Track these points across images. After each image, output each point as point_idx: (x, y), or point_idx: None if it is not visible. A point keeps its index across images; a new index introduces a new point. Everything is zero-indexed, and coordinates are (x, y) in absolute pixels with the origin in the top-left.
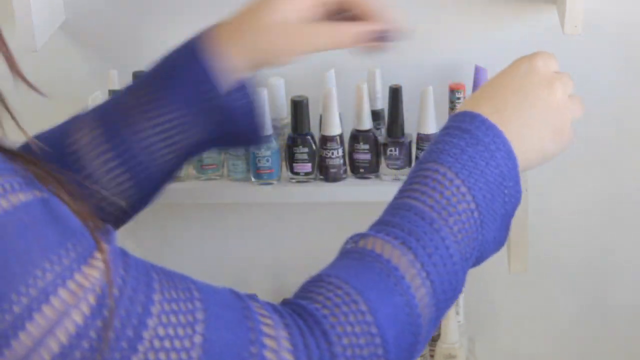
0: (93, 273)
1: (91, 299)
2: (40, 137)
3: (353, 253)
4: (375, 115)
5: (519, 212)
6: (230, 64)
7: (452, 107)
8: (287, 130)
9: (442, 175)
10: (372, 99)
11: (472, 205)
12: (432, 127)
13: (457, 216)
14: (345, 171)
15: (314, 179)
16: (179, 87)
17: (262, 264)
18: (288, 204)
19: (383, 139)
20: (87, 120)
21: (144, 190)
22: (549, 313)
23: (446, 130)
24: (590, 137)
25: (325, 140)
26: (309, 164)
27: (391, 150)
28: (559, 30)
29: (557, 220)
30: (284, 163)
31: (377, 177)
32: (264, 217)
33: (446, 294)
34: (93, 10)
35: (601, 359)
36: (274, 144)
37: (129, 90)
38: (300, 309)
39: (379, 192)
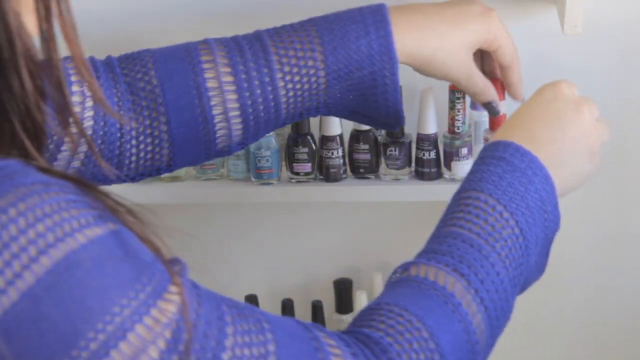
0: (169, 308)
1: (167, 334)
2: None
3: (407, 282)
4: None
5: None
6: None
7: (451, 107)
8: (287, 130)
9: (484, 202)
10: None
11: (517, 230)
12: (432, 127)
13: (504, 242)
14: (345, 171)
15: (314, 179)
16: (342, 51)
17: (262, 264)
18: (288, 204)
19: (383, 139)
20: (218, 52)
21: (247, 133)
22: (549, 313)
23: (482, 160)
24: None
25: (325, 140)
26: (309, 164)
27: (391, 150)
28: (559, 30)
29: None
30: (284, 163)
31: (377, 177)
32: (264, 217)
33: (499, 320)
34: (93, 11)
35: (601, 358)
36: (274, 144)
37: (275, 32)
38: (365, 338)
39: (379, 192)
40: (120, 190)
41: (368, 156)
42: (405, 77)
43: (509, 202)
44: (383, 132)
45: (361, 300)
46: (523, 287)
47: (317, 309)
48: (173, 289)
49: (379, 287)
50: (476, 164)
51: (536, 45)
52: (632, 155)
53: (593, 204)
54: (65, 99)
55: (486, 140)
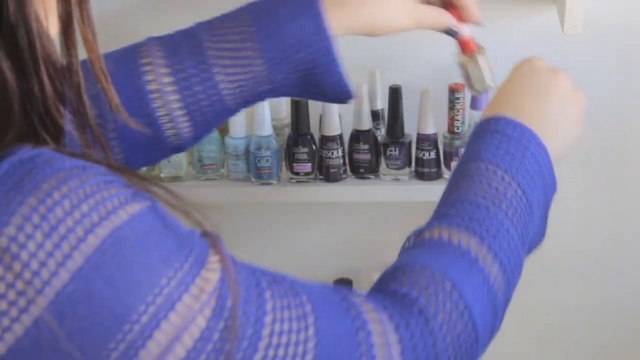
0: (212, 276)
1: (213, 302)
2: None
3: (422, 244)
4: (375, 115)
5: None
6: (330, 24)
7: (451, 107)
8: (287, 130)
9: (485, 169)
10: (372, 99)
11: (519, 192)
12: (431, 127)
13: (509, 202)
14: (345, 171)
15: (314, 179)
16: (278, 37)
17: (262, 264)
18: (288, 204)
19: (383, 139)
20: (156, 53)
21: (197, 128)
22: (549, 313)
23: (476, 135)
24: (590, 137)
25: (325, 140)
26: (309, 164)
27: (391, 150)
28: (559, 30)
29: (557, 220)
30: (284, 163)
31: (377, 177)
32: (264, 217)
33: (513, 273)
34: (92, 10)
35: (601, 357)
36: (274, 144)
37: (205, 30)
38: (393, 293)
39: (379, 192)
40: None
41: (368, 156)
42: (406, 77)
43: (509, 167)
44: (383, 132)
45: None
46: (529, 249)
47: None
48: (213, 258)
49: None
50: (471, 140)
51: (536, 45)
52: (632, 155)
53: (593, 204)
54: (84, 105)
55: (465, 68)
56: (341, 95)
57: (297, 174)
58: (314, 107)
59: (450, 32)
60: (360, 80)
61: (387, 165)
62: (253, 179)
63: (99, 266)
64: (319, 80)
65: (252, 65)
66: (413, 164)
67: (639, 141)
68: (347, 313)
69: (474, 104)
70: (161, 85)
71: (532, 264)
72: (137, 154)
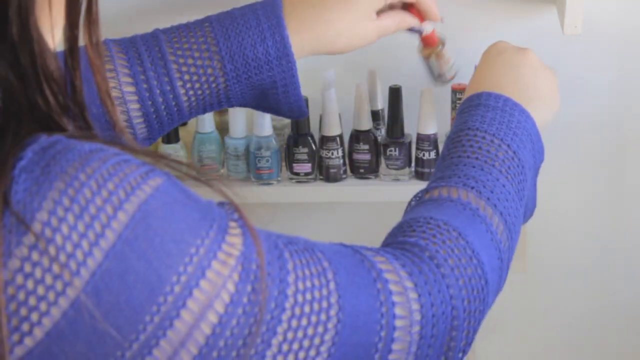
0: (236, 241)
1: (239, 267)
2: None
3: (423, 202)
4: (375, 115)
5: None
6: (294, 48)
7: (454, 107)
8: (287, 130)
9: (474, 135)
10: (372, 99)
11: (510, 152)
12: (432, 127)
13: (501, 161)
14: (345, 171)
15: (314, 179)
16: (239, 41)
17: None
18: (288, 204)
19: (383, 139)
20: (118, 61)
21: (152, 132)
22: (549, 313)
23: (460, 112)
24: (590, 137)
25: (325, 140)
26: (309, 164)
27: (391, 151)
28: (559, 30)
29: (557, 221)
30: (284, 163)
31: (377, 177)
32: (264, 217)
33: (514, 225)
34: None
35: (601, 359)
36: (274, 144)
37: (172, 36)
38: (402, 244)
39: (379, 192)
40: None
41: (368, 156)
42: (406, 77)
43: (497, 131)
44: (383, 132)
45: None
46: (525, 215)
47: None
48: (233, 224)
49: None
50: (457, 118)
51: (536, 45)
52: (632, 155)
53: (593, 204)
54: (86, 119)
55: (427, 61)
56: (296, 114)
57: (297, 174)
58: (314, 107)
59: (413, 30)
60: (360, 80)
61: (387, 166)
62: (253, 179)
63: (131, 242)
64: (277, 99)
65: (214, 81)
66: (413, 164)
67: (639, 141)
68: (362, 265)
69: None
70: (123, 94)
71: (532, 264)
72: None
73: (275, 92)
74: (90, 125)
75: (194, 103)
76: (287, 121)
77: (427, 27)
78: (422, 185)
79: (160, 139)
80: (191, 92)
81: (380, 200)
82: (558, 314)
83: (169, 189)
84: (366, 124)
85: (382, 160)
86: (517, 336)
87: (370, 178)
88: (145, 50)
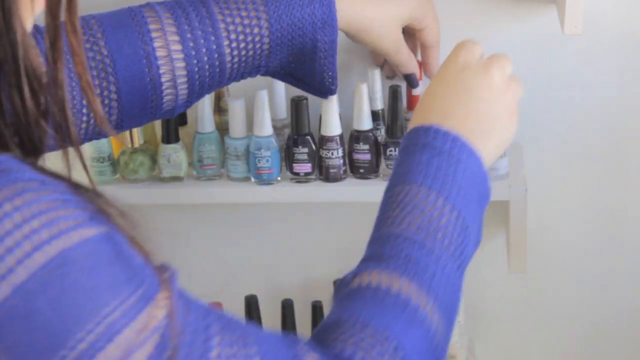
0: (158, 313)
1: (155, 339)
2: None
3: (361, 292)
4: (375, 115)
5: (518, 212)
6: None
7: None
8: (287, 131)
9: (416, 194)
10: (372, 99)
11: (454, 215)
12: None
13: (444, 230)
14: (345, 171)
15: (314, 179)
16: (286, 15)
17: (262, 264)
18: (288, 204)
19: (383, 139)
20: (165, 20)
21: (191, 95)
22: (549, 313)
23: (406, 149)
24: (590, 137)
25: (325, 140)
26: (309, 164)
27: (391, 151)
28: (559, 30)
29: (557, 220)
30: (284, 163)
31: (377, 177)
32: (264, 217)
33: (453, 310)
34: (93, 10)
35: (601, 358)
36: (274, 144)
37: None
38: (337, 357)
39: (379, 192)
40: (120, 191)
41: (368, 156)
42: None
43: (442, 187)
44: (383, 132)
45: None
46: (465, 267)
47: (317, 309)
48: (162, 295)
49: None
50: (401, 155)
51: (536, 45)
52: (632, 155)
53: (593, 203)
54: (67, 119)
55: (407, 120)
56: (326, 88)
57: (297, 174)
58: (314, 107)
59: (410, 80)
60: (360, 80)
61: (387, 166)
62: (253, 179)
63: (42, 285)
64: (312, 67)
65: (259, 42)
66: None
67: (639, 141)
68: None
69: None
70: (170, 52)
71: (532, 265)
72: (131, 117)
73: (314, 57)
74: (70, 129)
75: (236, 65)
76: (287, 121)
77: (421, 86)
78: None
79: (160, 139)
80: (235, 52)
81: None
82: (558, 314)
83: (100, 243)
84: (366, 124)
85: (382, 160)
86: (517, 336)
87: (370, 178)
88: (192, 10)
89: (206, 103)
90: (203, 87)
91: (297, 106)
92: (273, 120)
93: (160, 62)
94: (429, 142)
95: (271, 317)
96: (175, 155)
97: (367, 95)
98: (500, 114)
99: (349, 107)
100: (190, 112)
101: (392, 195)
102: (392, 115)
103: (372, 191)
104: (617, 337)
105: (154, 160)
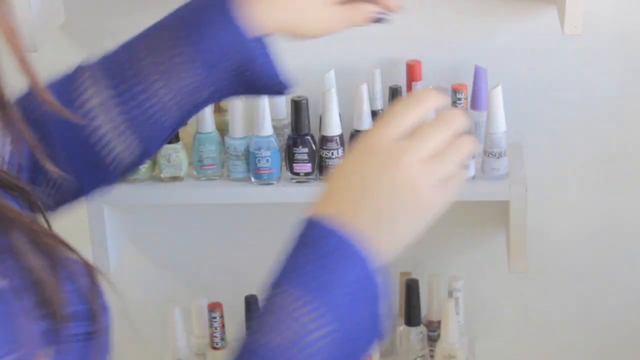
0: None
1: None
2: (50, 86)
3: None
4: (375, 115)
5: (518, 212)
6: (257, 26)
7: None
8: (287, 130)
9: (292, 301)
10: (372, 99)
11: (329, 328)
12: None
13: (312, 344)
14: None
15: (314, 179)
16: (206, 43)
17: (262, 264)
18: (288, 204)
19: None
20: (97, 77)
21: (148, 147)
22: (549, 313)
23: (294, 245)
24: (590, 137)
25: (325, 140)
26: (309, 164)
27: None
28: (559, 30)
29: (557, 220)
30: (284, 163)
31: None
32: (264, 217)
33: None
34: (93, 10)
35: (601, 358)
36: (274, 144)
37: (142, 43)
38: None
39: None
40: (120, 191)
41: None
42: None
43: (318, 295)
44: None
45: None
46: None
47: None
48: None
49: None
50: (290, 248)
51: (536, 45)
52: (633, 156)
53: (593, 203)
54: (25, 135)
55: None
56: (278, 88)
57: (297, 174)
58: (314, 107)
59: (378, 21)
60: (360, 80)
61: None
62: (253, 179)
63: None
64: (254, 77)
65: (191, 74)
66: None
67: (639, 141)
68: None
69: (474, 105)
70: (108, 111)
71: (532, 265)
72: (85, 179)
73: (251, 70)
74: (32, 144)
75: (179, 102)
76: (287, 121)
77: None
78: None
79: None
80: (174, 91)
81: None
82: (558, 314)
83: None
84: (366, 123)
85: None
86: (517, 336)
87: None
88: (127, 66)
89: None
90: (152, 135)
91: (297, 106)
92: (273, 120)
93: (98, 127)
94: (314, 242)
95: None
96: (175, 155)
97: (367, 95)
98: (404, 206)
99: (349, 107)
100: None
101: (272, 295)
102: None
103: None
104: (617, 336)
105: (154, 160)
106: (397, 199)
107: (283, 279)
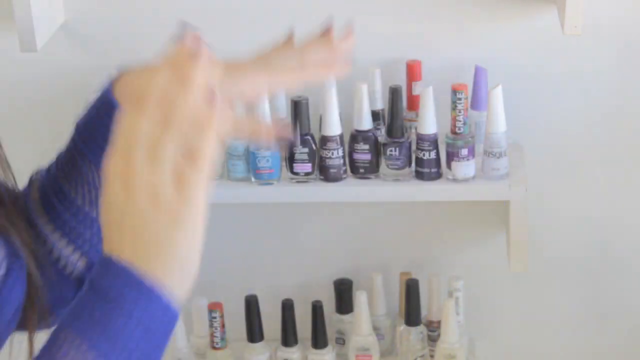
0: None
1: None
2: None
3: None
4: (375, 115)
5: (518, 212)
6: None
7: (453, 107)
8: None
9: (70, 343)
10: (372, 99)
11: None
12: (432, 127)
13: None
14: (345, 171)
15: (314, 179)
16: (94, 148)
17: (262, 264)
18: (288, 204)
19: (383, 139)
20: (35, 198)
21: (95, 256)
22: (549, 313)
23: (88, 283)
24: (590, 137)
25: (325, 140)
26: (309, 164)
27: (391, 151)
28: (559, 30)
29: (557, 220)
30: (284, 163)
31: (377, 177)
32: (264, 217)
33: None
34: (93, 10)
35: (601, 358)
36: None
37: (56, 162)
38: None
39: (379, 192)
40: None
41: (368, 156)
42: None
43: (91, 335)
44: (383, 132)
45: (361, 301)
46: None
47: (317, 309)
48: None
49: (379, 287)
50: (84, 288)
51: (536, 45)
52: (632, 155)
53: (593, 203)
54: None
55: (407, 120)
56: None
57: (297, 174)
58: (314, 107)
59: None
60: (360, 80)
61: (387, 166)
62: (253, 179)
63: None
64: None
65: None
66: (413, 164)
67: (639, 141)
68: None
69: (475, 105)
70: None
71: (532, 264)
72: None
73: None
74: None
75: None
76: (287, 121)
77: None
78: (422, 185)
79: None
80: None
81: (380, 200)
82: (558, 314)
83: None
84: (366, 123)
85: (382, 160)
86: (517, 336)
87: (370, 178)
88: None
89: None
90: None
91: (297, 106)
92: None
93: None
94: (94, 283)
95: (271, 317)
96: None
97: (367, 95)
98: (163, 227)
99: (349, 107)
100: None
101: (54, 338)
102: (392, 115)
103: (372, 191)
104: (617, 336)
105: None
106: (150, 219)
107: (66, 319)
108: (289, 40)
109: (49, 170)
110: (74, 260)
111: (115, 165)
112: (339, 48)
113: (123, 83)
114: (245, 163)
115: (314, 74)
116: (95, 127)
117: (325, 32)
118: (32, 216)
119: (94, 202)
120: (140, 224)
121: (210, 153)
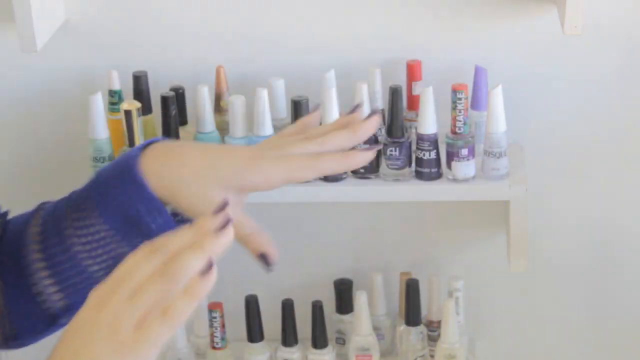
0: None
1: None
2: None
3: None
4: None
5: (518, 212)
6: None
7: (453, 107)
8: None
9: None
10: (372, 99)
11: None
12: (432, 127)
13: None
14: (345, 171)
15: (315, 179)
16: (109, 207)
17: None
18: (288, 204)
19: (383, 139)
20: (35, 231)
21: (77, 301)
22: (549, 313)
23: None
24: (590, 137)
25: None
26: None
27: (391, 151)
28: (559, 30)
29: (557, 220)
30: None
31: (377, 177)
32: (264, 217)
33: None
34: (93, 10)
35: (601, 358)
36: None
37: (65, 202)
38: None
39: (379, 192)
40: None
41: None
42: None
43: None
44: (383, 132)
45: (361, 300)
46: None
47: (317, 309)
48: None
49: (379, 287)
50: None
51: (536, 45)
52: (633, 155)
53: (593, 203)
54: None
55: (407, 120)
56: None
57: None
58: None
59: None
60: (360, 80)
61: (388, 166)
62: None
63: None
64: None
65: (102, 235)
66: (413, 164)
67: (639, 141)
68: None
69: (475, 104)
70: (44, 286)
71: (532, 264)
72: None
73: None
74: None
75: (96, 260)
76: (287, 121)
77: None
78: (422, 185)
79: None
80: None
81: (380, 200)
82: (558, 314)
83: None
84: None
85: (382, 160)
86: (517, 336)
87: (370, 178)
88: (53, 233)
89: (206, 103)
90: (81, 293)
91: (297, 106)
92: (273, 120)
93: (37, 295)
94: None
95: (271, 317)
96: None
97: (367, 95)
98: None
99: (349, 107)
100: (190, 112)
101: None
102: (392, 115)
103: (372, 191)
104: (617, 336)
105: None
106: (100, 341)
107: None
108: (313, 118)
109: (56, 207)
110: (54, 299)
111: (103, 288)
112: (363, 131)
113: None
114: None
115: (329, 169)
116: (115, 196)
117: (353, 111)
118: (25, 246)
119: (95, 257)
120: (90, 342)
121: (184, 318)
